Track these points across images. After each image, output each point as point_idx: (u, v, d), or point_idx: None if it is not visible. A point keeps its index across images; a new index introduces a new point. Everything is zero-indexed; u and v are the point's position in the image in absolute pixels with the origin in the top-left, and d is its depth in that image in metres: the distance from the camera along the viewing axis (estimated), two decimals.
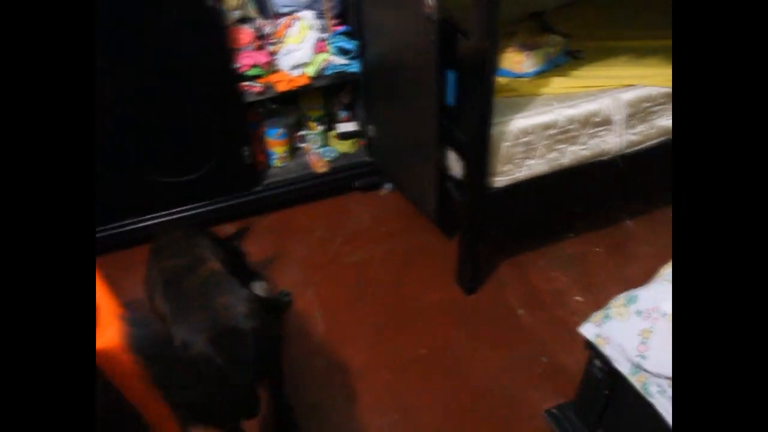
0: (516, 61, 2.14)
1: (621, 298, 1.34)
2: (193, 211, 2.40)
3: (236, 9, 2.15)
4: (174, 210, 2.37)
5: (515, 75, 2.12)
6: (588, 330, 1.40)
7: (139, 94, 2.11)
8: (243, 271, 1.99)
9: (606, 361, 1.36)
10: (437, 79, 1.88)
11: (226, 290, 1.39)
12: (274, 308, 2.11)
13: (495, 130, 1.85)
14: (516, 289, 2.18)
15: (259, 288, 2.07)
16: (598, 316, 1.39)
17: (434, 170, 2.07)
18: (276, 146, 2.54)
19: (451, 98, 1.93)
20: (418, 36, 1.89)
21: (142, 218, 2.35)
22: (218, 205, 2.44)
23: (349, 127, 2.65)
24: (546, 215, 2.33)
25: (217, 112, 2.24)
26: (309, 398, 1.84)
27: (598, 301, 1.61)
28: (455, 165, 2.00)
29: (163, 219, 2.35)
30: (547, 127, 1.92)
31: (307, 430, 1.75)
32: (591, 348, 1.40)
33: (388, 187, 2.66)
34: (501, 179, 1.95)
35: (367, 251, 2.40)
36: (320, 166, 2.57)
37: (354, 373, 1.92)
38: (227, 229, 2.43)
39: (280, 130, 2.51)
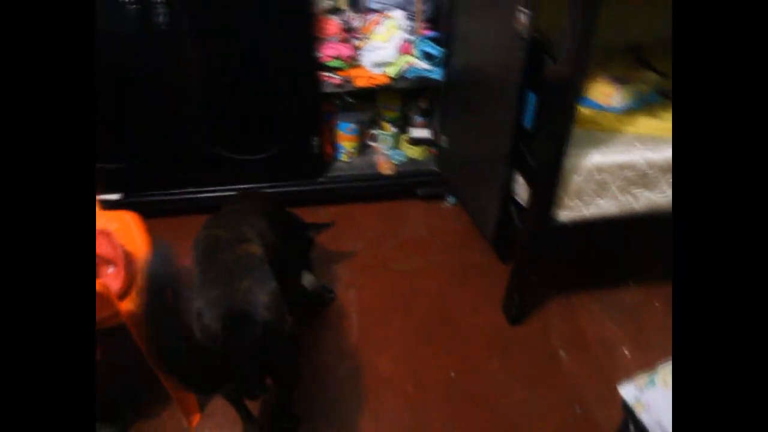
0: (604, 94, 2.03)
1: (671, 366, 1.24)
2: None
3: None
4: (239, 186, 2.40)
5: (601, 107, 2.02)
6: (628, 391, 1.30)
7: (221, 71, 2.15)
8: (301, 260, 2.00)
9: (641, 429, 1.26)
10: (518, 99, 1.81)
11: (253, 276, 1.36)
12: (316, 302, 2.09)
13: (568, 162, 1.76)
14: (562, 328, 2.07)
15: (307, 279, 2.05)
16: (642, 378, 1.29)
17: (499, 191, 2.00)
18: (346, 140, 2.53)
19: (528, 121, 1.86)
20: (505, 52, 1.82)
21: (207, 189, 2.39)
22: (280, 189, 2.45)
23: (423, 133, 2.60)
24: (607, 258, 2.21)
25: (292, 97, 2.24)
26: (326, 399, 1.81)
27: (647, 360, 1.50)
28: (522, 190, 1.92)
29: (226, 193, 2.36)
30: (624, 167, 1.81)
31: None
32: (628, 411, 1.30)
33: (451, 200, 2.60)
34: (566, 213, 1.85)
35: (417, 261, 2.35)
36: (386, 168, 2.54)
37: (378, 382, 1.88)
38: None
39: (352, 125, 2.49)
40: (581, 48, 1.52)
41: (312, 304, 2.08)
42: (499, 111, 1.92)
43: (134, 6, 1.92)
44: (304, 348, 1.83)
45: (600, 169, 1.80)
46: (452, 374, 1.91)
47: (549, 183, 1.77)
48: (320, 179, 2.49)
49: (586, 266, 2.27)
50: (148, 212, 2.35)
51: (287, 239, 1.73)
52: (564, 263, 2.11)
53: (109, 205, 2.00)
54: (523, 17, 1.67)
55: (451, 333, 2.05)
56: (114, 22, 1.95)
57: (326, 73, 2.24)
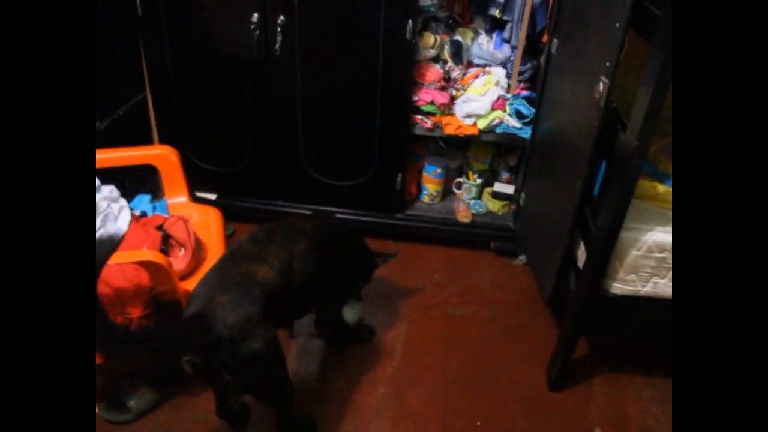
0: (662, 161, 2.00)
1: None
2: (336, 215, 2.57)
3: (432, 48, 2.29)
4: (323, 207, 2.56)
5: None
6: None
7: (322, 99, 2.35)
8: (355, 285, 2.08)
9: None
10: (589, 165, 1.83)
11: (234, 295, 1.45)
12: (352, 337, 2.17)
13: (627, 235, 1.75)
14: (604, 405, 2.00)
15: (350, 309, 2.14)
16: None
17: (561, 255, 2.00)
18: (430, 183, 2.63)
19: (597, 188, 1.87)
20: (584, 118, 1.85)
21: (294, 204, 2.58)
22: (360, 217, 2.59)
23: (507, 188, 2.65)
24: (665, 341, 2.11)
25: (384, 134, 2.39)
26: (351, 422, 1.88)
27: None
28: (582, 257, 1.92)
29: (310, 211, 2.53)
30: None
31: None
32: None
33: (522, 258, 2.61)
34: (621, 287, 1.82)
35: (475, 309, 2.37)
36: (464, 216, 2.61)
37: (405, 416, 1.92)
38: None
39: (439, 170, 2.60)
40: (647, 122, 1.53)
41: (348, 337, 2.17)
42: (572, 175, 1.94)
43: (257, 32, 2.17)
44: (284, 374, 1.73)
45: (661, 248, 1.76)
46: (478, 423, 1.91)
47: (603, 252, 1.76)
48: (398, 215, 2.60)
49: (643, 346, 2.18)
50: (237, 216, 2.62)
51: (334, 268, 1.81)
52: (618, 339, 2.05)
53: (202, 201, 2.24)
54: (602, 86, 1.71)
55: (487, 384, 2.05)
56: (239, 44, 2.21)
57: (419, 116, 2.38)
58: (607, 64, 1.67)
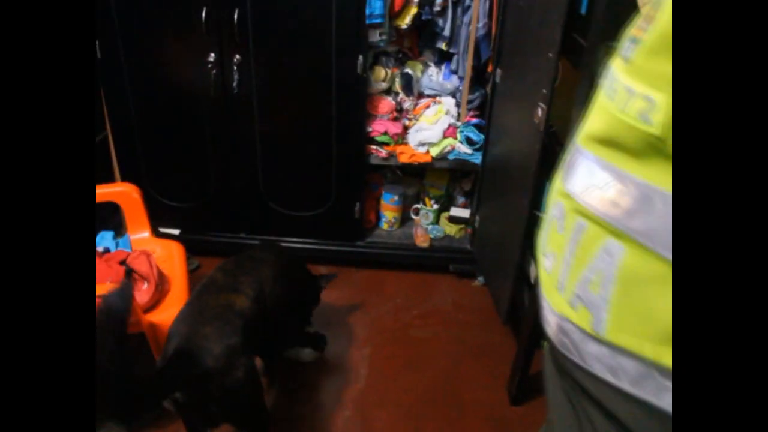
0: None
1: None
2: (298, 245, 2.64)
3: (384, 81, 2.40)
4: (283, 238, 2.63)
5: None
6: None
7: (279, 132, 2.43)
8: (308, 307, 2.15)
9: None
10: (534, 186, 1.94)
11: (216, 325, 1.49)
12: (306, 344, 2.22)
13: None
14: None
15: (305, 353, 2.22)
16: None
17: (514, 273, 2.09)
18: (388, 210, 2.72)
19: (543, 207, 1.97)
20: (527, 142, 1.97)
21: (257, 236, 2.63)
22: (321, 246, 2.65)
23: (463, 213, 2.75)
24: None
25: (341, 165, 2.48)
26: None
27: None
28: (534, 273, 2.01)
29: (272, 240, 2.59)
30: None
31: None
32: None
33: (481, 279, 2.70)
34: None
35: (436, 331, 2.44)
36: (422, 241, 2.70)
37: None
38: (319, 269, 2.64)
39: (396, 197, 2.69)
40: None
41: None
42: (519, 196, 2.05)
43: (214, 71, 2.26)
44: (264, 403, 1.78)
45: None
46: None
47: None
48: (359, 243, 2.68)
49: None
50: (201, 250, 2.65)
51: (294, 291, 1.89)
52: None
53: (166, 237, 2.28)
54: (540, 111, 1.83)
55: (452, 402, 2.11)
56: (198, 82, 2.29)
57: (374, 147, 2.48)
58: (544, 91, 1.80)
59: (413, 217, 2.82)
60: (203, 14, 2.15)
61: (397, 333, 2.42)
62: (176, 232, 2.62)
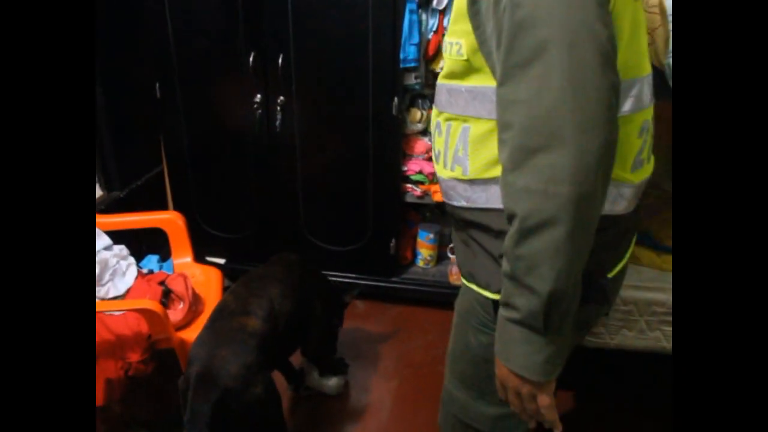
0: (665, 235, 2.09)
1: None
2: (335, 278, 2.72)
3: (419, 122, 2.51)
4: (324, 270, 2.72)
5: (654, 245, 2.07)
6: None
7: (318, 170, 2.57)
8: (330, 320, 2.19)
9: None
10: None
11: (232, 348, 1.59)
12: (329, 369, 2.27)
13: None
14: None
15: (330, 383, 2.27)
16: None
17: None
18: (423, 248, 2.79)
19: None
20: None
21: None
22: (357, 281, 2.73)
23: None
24: (628, 396, 2.15)
25: (377, 202, 2.58)
26: None
27: None
28: None
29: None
30: (653, 303, 1.86)
31: None
32: None
33: None
34: (589, 339, 1.92)
35: None
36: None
37: None
38: (355, 303, 2.73)
39: (432, 235, 2.76)
40: None
41: (326, 371, 2.28)
42: None
43: (259, 111, 2.44)
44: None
45: (626, 301, 1.87)
46: None
47: None
48: (394, 278, 2.75)
49: (602, 400, 2.21)
50: None
51: (307, 304, 1.95)
52: (579, 392, 2.10)
53: (211, 265, 2.43)
54: None
55: None
56: (244, 122, 2.47)
57: (409, 185, 2.57)
58: None
59: (449, 255, 2.87)
60: (251, 59, 2.35)
61: (425, 368, 2.45)
62: (222, 261, 2.78)
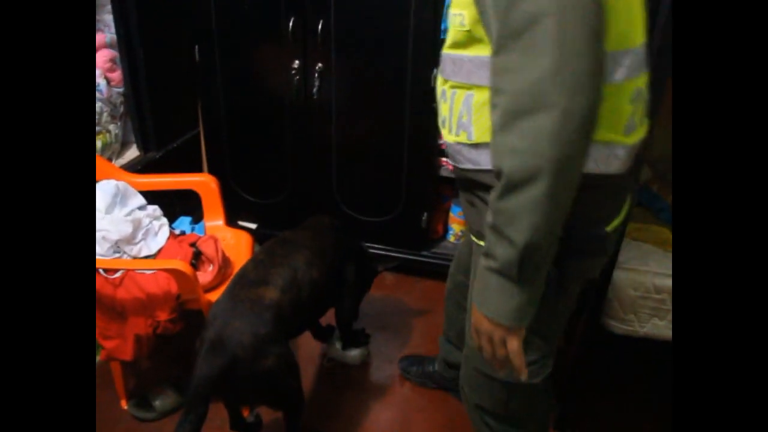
0: None
1: None
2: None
3: None
4: None
5: None
6: None
7: (353, 140, 2.55)
8: (361, 287, 2.19)
9: None
10: None
11: (247, 319, 1.59)
12: (350, 341, 2.28)
13: (625, 275, 1.82)
14: None
15: (353, 354, 2.28)
16: None
17: None
18: (456, 223, 2.76)
19: None
20: None
21: None
22: (387, 252, 2.73)
23: None
24: (650, 384, 2.10)
25: (410, 174, 2.55)
26: None
27: None
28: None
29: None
30: None
31: None
32: None
33: None
34: (617, 325, 1.88)
35: None
36: None
37: None
38: (384, 275, 2.73)
39: None
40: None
41: (348, 343, 2.29)
42: None
43: (297, 77, 2.42)
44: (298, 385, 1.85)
45: (660, 290, 1.82)
46: None
47: (599, 290, 1.83)
48: (424, 252, 2.73)
49: (630, 396, 2.17)
50: None
51: (336, 271, 1.93)
52: (601, 382, 2.06)
53: (243, 230, 2.45)
54: None
55: None
56: (282, 87, 2.46)
57: (444, 159, 2.54)
58: None
59: None
60: (290, 24, 2.32)
61: None
62: (253, 226, 2.80)
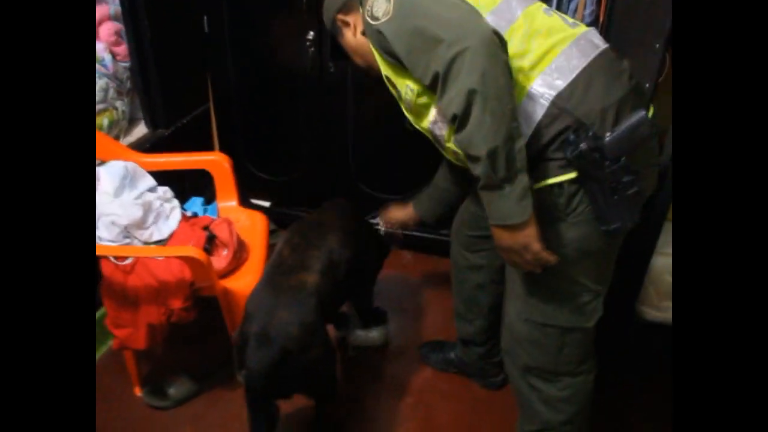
0: None
1: None
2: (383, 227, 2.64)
3: None
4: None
5: None
6: None
7: (370, 117, 2.44)
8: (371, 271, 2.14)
9: None
10: None
11: (292, 309, 1.53)
12: (370, 321, 2.24)
13: (664, 260, 1.72)
14: None
15: (376, 335, 2.22)
16: None
17: None
18: None
19: None
20: None
21: None
22: (404, 231, 2.63)
23: None
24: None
25: (429, 152, 2.43)
26: (376, 427, 1.94)
27: None
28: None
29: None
30: None
31: None
32: None
33: None
34: (653, 313, 1.79)
35: None
36: None
37: (430, 428, 1.94)
38: (402, 253, 2.65)
39: None
40: None
41: (367, 323, 2.23)
42: None
43: (312, 49, 2.30)
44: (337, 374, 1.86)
45: None
46: None
47: (635, 274, 1.74)
48: (443, 231, 2.63)
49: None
50: (287, 224, 2.72)
51: (362, 251, 1.87)
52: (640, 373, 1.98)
53: (256, 208, 2.36)
54: None
55: (512, 406, 2.04)
56: (296, 60, 2.34)
57: None
58: (647, 85, 1.66)
59: None
60: None
61: None
62: (267, 204, 2.71)
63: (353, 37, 1.43)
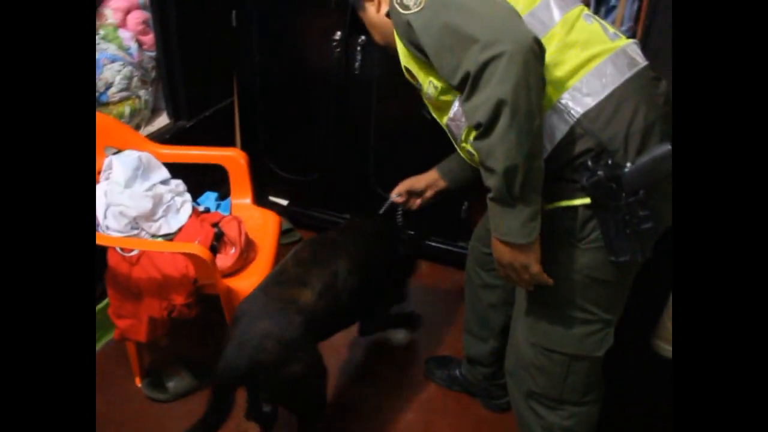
0: None
1: None
2: None
3: None
4: None
5: None
6: None
7: (393, 122, 2.39)
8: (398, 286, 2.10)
9: None
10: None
11: (275, 321, 1.50)
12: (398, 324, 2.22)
13: None
14: None
15: (398, 337, 2.22)
16: None
17: None
18: None
19: None
20: None
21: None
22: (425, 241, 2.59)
23: None
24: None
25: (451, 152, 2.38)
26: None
27: None
28: None
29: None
30: None
31: None
32: None
33: None
34: (669, 348, 1.70)
35: None
36: None
37: None
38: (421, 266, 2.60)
39: None
40: None
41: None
42: None
43: (338, 50, 2.26)
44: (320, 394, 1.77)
45: None
46: None
47: (653, 307, 1.66)
48: (461, 243, 2.57)
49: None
50: (305, 224, 2.70)
51: (377, 277, 1.82)
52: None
53: (274, 206, 2.33)
54: None
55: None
56: (322, 60, 2.31)
57: None
58: None
59: None
60: None
61: None
62: (285, 202, 2.69)
63: (376, 13, 1.34)
